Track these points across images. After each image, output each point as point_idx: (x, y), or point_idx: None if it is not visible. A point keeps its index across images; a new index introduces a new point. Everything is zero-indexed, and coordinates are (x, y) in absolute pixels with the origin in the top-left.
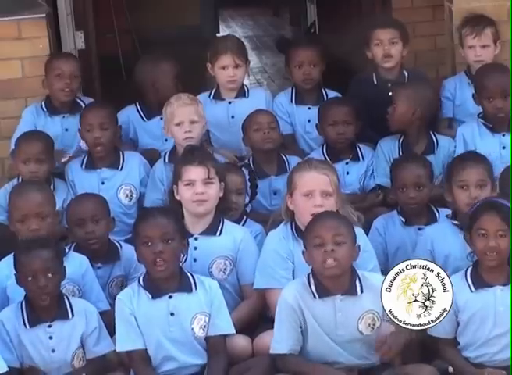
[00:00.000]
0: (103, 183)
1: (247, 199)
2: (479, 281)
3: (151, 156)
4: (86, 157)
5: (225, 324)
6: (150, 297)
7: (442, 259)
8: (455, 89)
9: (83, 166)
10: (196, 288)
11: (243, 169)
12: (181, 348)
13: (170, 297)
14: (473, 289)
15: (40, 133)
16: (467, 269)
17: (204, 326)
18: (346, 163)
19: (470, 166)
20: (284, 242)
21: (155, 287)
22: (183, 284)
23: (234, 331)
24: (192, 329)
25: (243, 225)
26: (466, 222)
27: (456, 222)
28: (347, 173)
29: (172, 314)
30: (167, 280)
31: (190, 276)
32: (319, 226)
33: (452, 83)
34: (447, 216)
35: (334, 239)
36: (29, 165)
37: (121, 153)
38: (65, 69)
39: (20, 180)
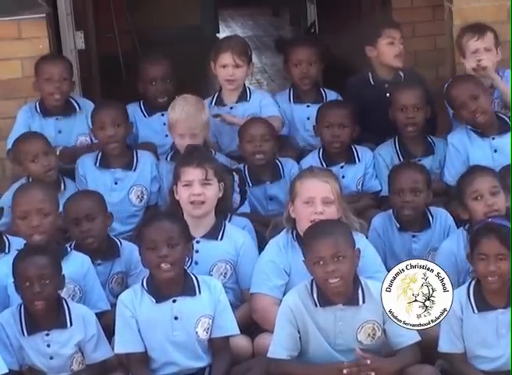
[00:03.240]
0: (116, 183)
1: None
2: (482, 303)
3: (147, 149)
4: (99, 155)
5: (229, 325)
6: (154, 301)
7: None
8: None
9: (97, 164)
10: (200, 291)
11: (234, 173)
12: (183, 351)
13: (174, 301)
14: (476, 311)
15: (36, 132)
16: (469, 284)
17: (208, 329)
18: (341, 167)
19: (479, 176)
20: (283, 253)
21: (159, 291)
22: (187, 288)
23: (239, 332)
24: (196, 332)
25: (228, 222)
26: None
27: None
28: (343, 177)
29: (176, 318)
30: (171, 284)
31: (194, 279)
32: (318, 244)
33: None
34: (464, 227)
35: (334, 257)
36: (39, 161)
37: (134, 152)
38: (54, 73)
39: (31, 180)
